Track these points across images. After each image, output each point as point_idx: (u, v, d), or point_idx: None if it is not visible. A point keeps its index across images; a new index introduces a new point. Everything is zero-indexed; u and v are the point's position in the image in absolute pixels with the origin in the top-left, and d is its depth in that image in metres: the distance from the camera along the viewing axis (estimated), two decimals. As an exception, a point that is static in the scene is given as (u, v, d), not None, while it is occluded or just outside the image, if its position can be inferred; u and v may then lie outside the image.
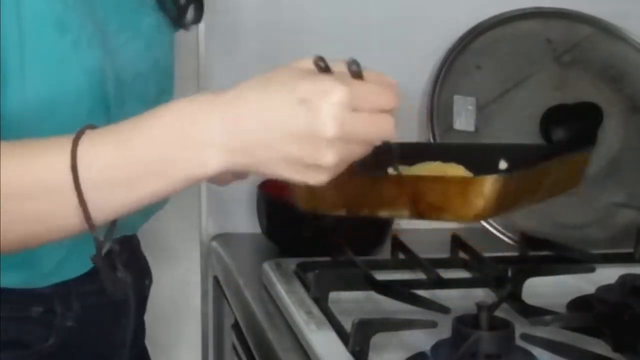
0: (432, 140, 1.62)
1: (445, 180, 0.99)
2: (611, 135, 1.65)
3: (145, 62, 1.11)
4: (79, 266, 1.10)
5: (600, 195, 1.62)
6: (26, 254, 0.99)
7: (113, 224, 0.90)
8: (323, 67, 0.83)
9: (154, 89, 1.13)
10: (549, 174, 1.08)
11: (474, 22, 1.67)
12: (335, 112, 0.81)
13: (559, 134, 1.63)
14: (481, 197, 0.97)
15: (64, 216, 0.86)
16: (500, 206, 0.99)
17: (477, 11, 1.68)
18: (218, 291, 1.57)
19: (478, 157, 1.14)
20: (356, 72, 0.83)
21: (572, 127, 1.64)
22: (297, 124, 0.81)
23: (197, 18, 1.24)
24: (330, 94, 0.81)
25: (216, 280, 1.58)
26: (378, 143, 0.87)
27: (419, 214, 1.01)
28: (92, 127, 0.86)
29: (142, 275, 1.22)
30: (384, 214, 1.03)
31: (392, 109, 0.86)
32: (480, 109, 1.64)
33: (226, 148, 0.83)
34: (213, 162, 0.84)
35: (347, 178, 0.95)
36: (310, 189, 1.00)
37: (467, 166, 1.11)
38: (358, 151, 0.85)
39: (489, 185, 0.97)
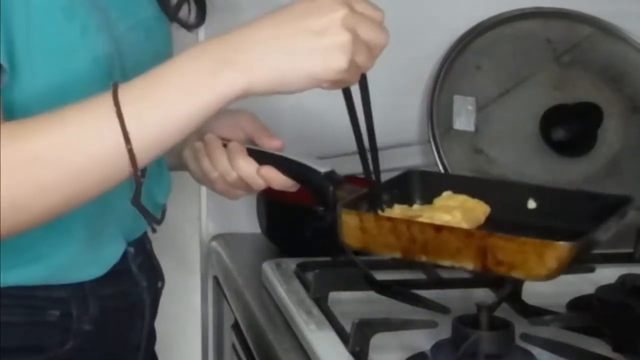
0: (431, 141, 1.62)
1: (520, 241, 0.98)
2: (611, 135, 1.65)
3: (146, 52, 1.12)
4: (96, 268, 1.10)
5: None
6: (43, 246, 1.03)
7: (144, 170, 0.94)
8: None
9: None
10: (600, 238, 1.09)
11: (474, 22, 1.67)
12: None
13: (559, 134, 1.63)
14: (557, 260, 0.98)
15: (110, 156, 0.91)
16: (569, 266, 1.00)
17: (477, 11, 1.68)
18: (218, 291, 1.57)
19: (497, 192, 1.16)
20: None
21: (572, 127, 1.64)
22: (307, 11, 0.91)
23: (200, 20, 1.24)
24: None
25: (216, 280, 1.58)
26: (378, 52, 0.96)
27: (485, 268, 1.00)
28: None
29: (155, 277, 1.22)
30: (444, 263, 1.02)
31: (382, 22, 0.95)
32: (480, 109, 1.64)
33: (242, 66, 0.91)
34: (232, 82, 0.92)
35: (406, 225, 0.99)
36: (362, 230, 1.03)
37: (484, 198, 1.13)
38: (367, 56, 0.94)
39: (566, 250, 0.98)
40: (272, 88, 0.93)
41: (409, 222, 1.03)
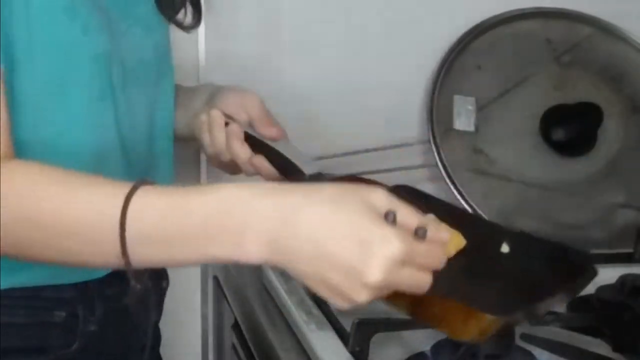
0: (431, 141, 1.62)
1: (450, 301, 0.93)
2: (611, 135, 1.65)
3: (146, 48, 1.13)
4: (99, 268, 1.10)
5: (600, 195, 1.62)
6: None
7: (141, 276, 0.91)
8: (392, 220, 0.84)
9: (154, 74, 1.15)
10: (545, 306, 1.02)
11: (474, 22, 1.67)
12: (387, 264, 0.82)
13: (559, 134, 1.63)
14: (478, 329, 0.92)
15: (102, 258, 0.89)
16: (493, 333, 0.94)
17: (477, 11, 1.68)
18: (218, 291, 1.57)
19: (474, 228, 1.09)
20: (420, 236, 0.85)
21: (572, 127, 1.64)
22: (348, 259, 0.82)
23: (196, 22, 1.25)
24: (389, 247, 0.82)
25: (216, 280, 1.58)
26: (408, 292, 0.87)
27: (414, 315, 0.96)
28: (146, 182, 0.87)
29: (160, 277, 1.22)
30: (382, 300, 0.93)
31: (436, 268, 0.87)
32: (480, 109, 1.64)
33: (269, 243, 0.84)
34: (252, 251, 0.85)
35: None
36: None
37: (462, 230, 1.05)
38: (387, 292, 0.86)
39: (490, 322, 0.92)
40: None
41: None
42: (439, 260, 0.87)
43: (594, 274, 1.05)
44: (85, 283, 1.09)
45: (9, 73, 0.97)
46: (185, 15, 1.24)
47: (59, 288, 1.07)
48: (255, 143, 1.13)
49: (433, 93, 1.64)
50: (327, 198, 0.84)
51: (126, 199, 0.86)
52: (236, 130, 1.15)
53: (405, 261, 0.83)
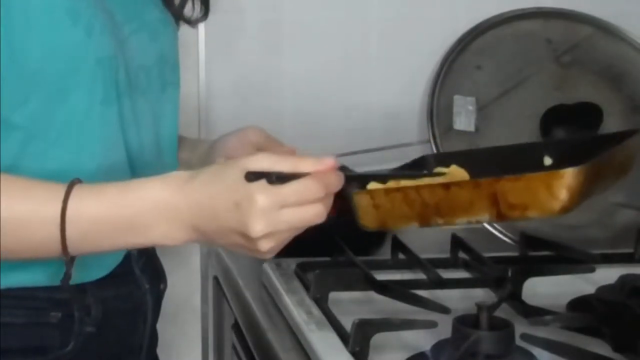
0: (431, 141, 1.62)
1: (526, 177, 0.98)
2: (611, 135, 1.65)
3: (149, 55, 1.12)
4: (98, 270, 1.10)
5: (600, 195, 1.62)
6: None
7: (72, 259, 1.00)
8: (274, 179, 0.96)
9: (158, 81, 1.14)
10: (613, 161, 1.08)
11: (474, 22, 1.68)
12: (259, 215, 0.94)
13: (559, 134, 1.63)
14: (566, 189, 0.97)
15: (46, 248, 0.98)
16: (582, 197, 0.99)
17: (477, 11, 1.68)
18: (218, 291, 1.57)
19: (513, 157, 1.16)
20: (275, 183, 0.95)
21: (572, 127, 1.64)
22: (233, 223, 0.95)
23: (204, 15, 1.25)
24: (253, 201, 0.94)
25: (216, 280, 1.58)
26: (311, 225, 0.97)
27: (501, 216, 1.01)
28: (78, 181, 0.98)
29: (158, 279, 1.22)
30: (461, 221, 1.02)
31: (321, 197, 0.96)
32: (480, 109, 1.64)
33: (189, 228, 0.97)
34: (179, 235, 0.98)
35: (416, 191, 1.01)
36: (375, 207, 1.04)
37: (501, 166, 1.11)
38: (292, 235, 0.98)
39: (573, 177, 0.97)
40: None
41: (418, 187, 1.03)
42: (315, 191, 0.95)
43: None
44: (82, 284, 1.09)
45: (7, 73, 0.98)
46: (194, 9, 1.24)
47: (55, 289, 1.07)
48: None
49: (433, 93, 1.64)
50: (211, 176, 0.97)
51: (64, 202, 0.96)
52: None
53: (279, 204, 0.94)
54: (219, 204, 0.96)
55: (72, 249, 0.97)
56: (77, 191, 0.97)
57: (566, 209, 0.99)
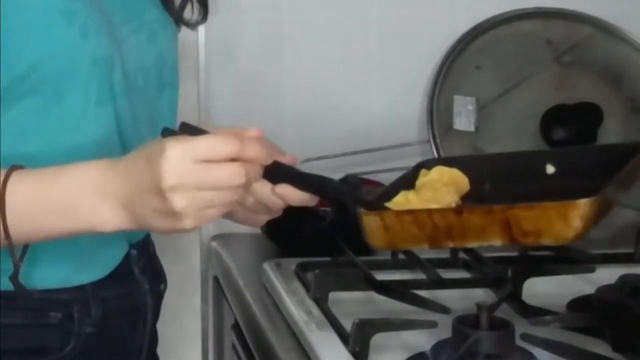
0: (431, 141, 1.62)
1: (541, 207, 0.99)
2: (611, 135, 1.65)
3: (148, 56, 1.12)
4: (98, 270, 1.10)
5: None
6: (45, 249, 1.05)
7: (26, 248, 1.00)
8: (166, 135, 0.97)
9: (155, 82, 1.14)
10: (623, 184, 1.09)
11: (474, 22, 1.67)
12: (168, 163, 0.92)
13: (559, 134, 1.63)
14: (580, 219, 0.98)
15: None
16: (595, 223, 1.00)
17: (477, 11, 1.68)
18: (218, 291, 1.57)
19: (516, 164, 1.18)
20: (191, 134, 0.96)
21: (572, 127, 1.63)
22: (145, 180, 0.93)
23: (203, 17, 1.25)
24: (165, 151, 0.92)
25: (216, 280, 1.58)
26: (234, 189, 0.95)
27: (513, 241, 1.01)
28: (22, 167, 0.98)
29: (158, 280, 1.22)
30: (473, 244, 1.03)
31: (236, 156, 0.94)
32: (480, 109, 1.64)
33: (118, 205, 0.96)
34: (109, 213, 0.96)
35: (427, 214, 1.01)
36: (385, 229, 1.03)
37: (504, 172, 1.14)
38: (216, 197, 0.94)
39: (588, 207, 0.97)
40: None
41: (430, 211, 1.03)
42: (228, 146, 0.93)
43: None
44: (82, 286, 1.09)
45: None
46: (193, 12, 1.23)
47: (55, 290, 1.07)
48: (272, 176, 1.11)
49: (433, 93, 1.64)
50: (137, 149, 0.97)
51: (2, 185, 0.96)
52: None
53: (191, 156, 0.92)
54: (133, 163, 0.95)
55: (13, 234, 0.97)
56: (15, 175, 0.97)
57: (580, 237, 1.00)
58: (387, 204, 1.08)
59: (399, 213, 1.05)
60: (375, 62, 1.68)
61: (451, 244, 1.03)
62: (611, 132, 1.65)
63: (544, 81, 1.67)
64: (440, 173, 1.17)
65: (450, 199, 1.11)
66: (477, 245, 1.02)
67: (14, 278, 0.99)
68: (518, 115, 1.65)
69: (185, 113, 1.38)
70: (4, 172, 0.97)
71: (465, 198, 1.15)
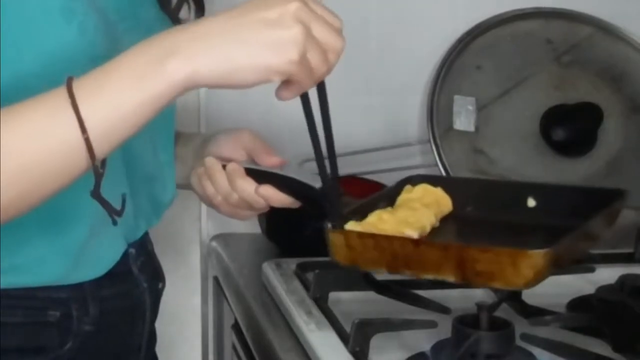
0: (431, 141, 1.62)
1: (494, 251, 0.99)
2: (611, 135, 1.65)
3: None
4: (96, 269, 1.10)
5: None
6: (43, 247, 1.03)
7: (103, 162, 0.94)
8: None
9: None
10: (588, 236, 1.09)
11: (473, 22, 1.68)
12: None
13: (559, 134, 1.63)
14: (531, 269, 0.97)
15: (61, 137, 0.90)
16: (548, 274, 1.00)
17: (477, 11, 1.68)
18: (218, 291, 1.57)
19: (497, 192, 1.20)
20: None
21: (572, 127, 1.64)
22: (259, 1, 0.91)
23: (199, 17, 1.24)
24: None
25: (216, 280, 1.58)
26: (333, 57, 0.97)
27: (466, 280, 1.01)
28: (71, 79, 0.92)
29: (156, 279, 1.22)
30: (427, 276, 1.03)
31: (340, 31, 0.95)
32: (480, 109, 1.64)
33: (188, 54, 0.90)
34: (178, 69, 0.90)
35: (387, 241, 1.02)
36: (348, 247, 1.04)
37: (485, 198, 1.16)
38: (317, 56, 0.94)
39: (540, 258, 0.97)
40: (220, 78, 0.92)
41: (390, 238, 1.04)
42: (337, 21, 0.95)
43: (624, 197, 1.13)
44: (80, 284, 1.09)
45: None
46: (190, 12, 1.23)
47: (53, 288, 1.07)
48: (258, 175, 1.12)
49: (433, 93, 1.64)
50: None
51: (68, 81, 0.90)
52: (235, 167, 1.14)
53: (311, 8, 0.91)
54: (236, 12, 0.92)
55: (91, 121, 0.89)
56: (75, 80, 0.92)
57: (530, 286, 1.00)
58: (355, 223, 1.09)
59: (362, 235, 1.06)
60: (375, 62, 1.68)
61: (408, 273, 1.04)
62: (611, 132, 1.65)
63: (544, 81, 1.67)
64: (424, 191, 1.18)
65: (426, 222, 1.12)
66: (432, 278, 1.03)
67: (95, 191, 0.94)
68: (518, 115, 1.65)
69: (186, 112, 1.38)
70: (62, 89, 0.91)
71: (446, 219, 1.16)
